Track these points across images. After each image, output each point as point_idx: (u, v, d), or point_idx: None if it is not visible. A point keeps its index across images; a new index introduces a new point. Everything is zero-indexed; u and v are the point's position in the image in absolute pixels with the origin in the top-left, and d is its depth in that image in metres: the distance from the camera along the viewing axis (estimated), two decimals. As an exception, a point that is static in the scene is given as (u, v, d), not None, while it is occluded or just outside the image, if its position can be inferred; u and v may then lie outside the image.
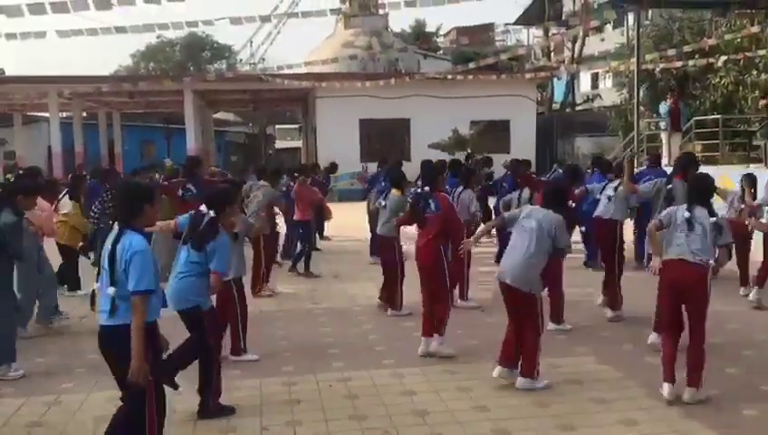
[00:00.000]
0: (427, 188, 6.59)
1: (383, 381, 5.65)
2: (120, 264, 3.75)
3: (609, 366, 5.91)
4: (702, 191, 5.39)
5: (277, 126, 50.25)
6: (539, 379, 5.37)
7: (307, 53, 32.10)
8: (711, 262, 5.15)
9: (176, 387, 4.95)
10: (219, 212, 5.11)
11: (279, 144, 48.38)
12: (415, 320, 7.26)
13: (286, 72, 25.11)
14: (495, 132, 25.61)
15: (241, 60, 45.55)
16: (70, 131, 27.79)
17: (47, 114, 27.99)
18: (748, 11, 17.71)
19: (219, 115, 41.23)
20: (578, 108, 35.36)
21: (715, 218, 5.14)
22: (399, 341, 6.82)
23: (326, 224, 14.59)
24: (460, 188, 8.32)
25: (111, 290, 3.75)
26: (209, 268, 4.99)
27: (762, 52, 17.81)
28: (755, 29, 17.93)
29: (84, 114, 30.80)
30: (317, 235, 12.92)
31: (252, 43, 46.61)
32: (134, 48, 54.94)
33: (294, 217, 10.78)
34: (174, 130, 32.74)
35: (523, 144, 25.89)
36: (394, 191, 8.00)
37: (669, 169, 8.91)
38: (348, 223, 14.51)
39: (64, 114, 29.58)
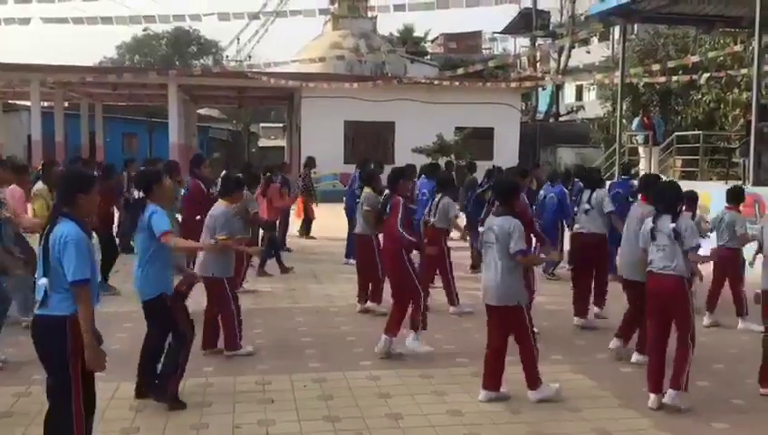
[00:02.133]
0: (387, 192, 6.63)
1: (359, 383, 5.64)
2: (53, 253, 3.64)
3: (584, 375, 5.95)
4: (666, 199, 5.37)
5: (261, 124, 50.09)
6: (543, 387, 5.26)
7: (294, 53, 32.04)
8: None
9: (183, 406, 5.01)
10: (147, 192, 5.18)
11: (263, 142, 48.23)
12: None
13: (273, 70, 25.00)
14: (479, 139, 25.69)
15: (227, 56, 45.36)
16: (51, 121, 27.45)
17: (28, 103, 27.64)
18: (732, 29, 17.96)
19: (203, 111, 40.99)
20: (561, 119, 35.65)
21: (674, 225, 5.17)
22: (377, 343, 6.79)
23: (312, 224, 14.68)
24: (439, 196, 8.32)
25: (43, 281, 3.66)
26: (158, 250, 5.03)
27: (744, 70, 18.06)
28: (738, 48, 18.20)
29: (66, 104, 30.45)
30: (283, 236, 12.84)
31: (239, 39, 46.41)
32: (120, 40, 54.39)
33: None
34: (156, 124, 32.48)
35: (507, 152, 26.01)
36: (366, 189, 8.10)
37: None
38: (329, 224, 14.50)
39: (46, 104, 29.23)
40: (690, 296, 5.26)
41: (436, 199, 8.27)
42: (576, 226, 7.91)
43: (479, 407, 5.16)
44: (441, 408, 5.13)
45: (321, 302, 8.77)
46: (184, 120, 28.57)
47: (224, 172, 10.10)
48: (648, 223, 5.37)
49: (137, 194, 5.29)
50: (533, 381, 5.27)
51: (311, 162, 15.10)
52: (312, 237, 14.58)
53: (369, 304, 8.13)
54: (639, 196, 6.78)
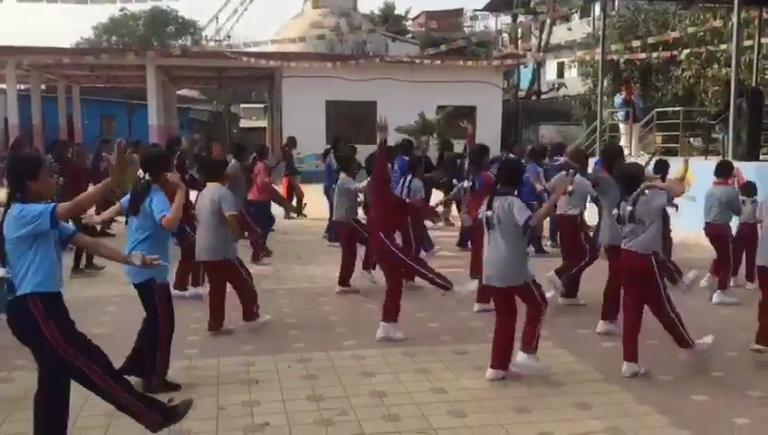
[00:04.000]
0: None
1: (342, 363, 5.66)
2: (9, 238, 3.62)
3: (565, 350, 6.01)
4: (628, 181, 5.49)
5: (242, 105, 49.66)
6: (533, 357, 5.26)
7: (274, 32, 31.72)
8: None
9: (177, 387, 5.00)
10: (154, 175, 5.09)
11: (244, 123, 47.83)
12: (376, 302, 7.29)
13: (252, 50, 24.75)
14: (461, 118, 25.66)
15: (206, 36, 44.56)
16: (27, 104, 27.04)
17: (4, 86, 27.18)
18: (711, 5, 18.00)
19: (183, 92, 40.53)
20: (543, 96, 35.68)
21: (630, 208, 5.31)
22: (360, 323, 6.83)
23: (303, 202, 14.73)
24: (409, 177, 8.31)
25: (1, 271, 3.66)
26: (154, 234, 4.97)
27: (723, 46, 18.16)
28: (717, 23, 18.28)
29: (43, 87, 29.98)
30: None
31: (218, 19, 45.71)
32: (96, 20, 53.53)
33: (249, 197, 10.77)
34: (135, 106, 32.09)
35: (489, 130, 25.97)
36: (342, 175, 8.10)
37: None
38: (312, 204, 14.46)
39: (22, 86, 28.76)
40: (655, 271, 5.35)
41: (407, 180, 8.26)
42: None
43: (462, 384, 5.20)
44: (424, 386, 5.16)
45: (305, 283, 8.77)
46: (163, 101, 28.25)
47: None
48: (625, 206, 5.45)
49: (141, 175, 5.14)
50: (529, 341, 5.24)
51: (291, 142, 15.06)
52: (304, 215, 14.61)
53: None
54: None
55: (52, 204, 3.65)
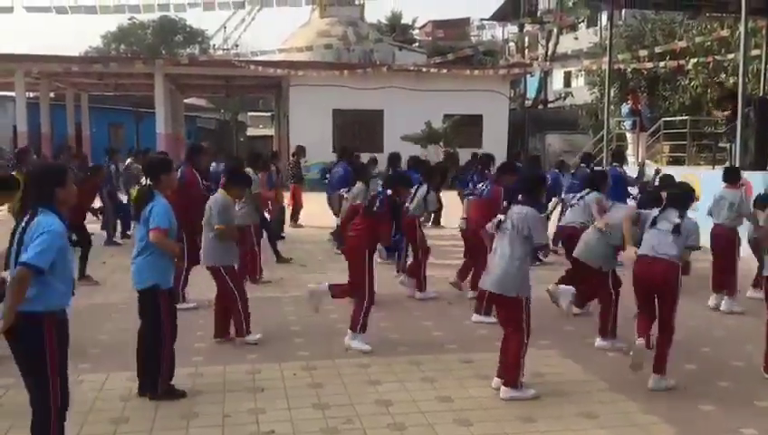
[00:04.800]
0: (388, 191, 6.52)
1: (348, 371, 5.65)
2: (27, 245, 3.55)
3: (572, 360, 5.99)
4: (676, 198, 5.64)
5: (249, 113, 49.81)
6: (524, 388, 5.12)
7: (281, 41, 31.86)
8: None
9: (183, 395, 5.04)
10: (155, 180, 5.13)
11: (251, 132, 47.97)
12: (383, 311, 7.30)
13: (260, 58, 24.88)
14: (468, 127, 25.73)
15: (214, 45, 44.95)
16: (36, 112, 27.22)
17: (13, 93, 27.37)
18: (719, 14, 18.00)
19: (190, 100, 40.68)
20: (550, 105, 35.68)
21: (679, 220, 5.41)
22: (367, 331, 6.81)
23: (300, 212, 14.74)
24: (425, 187, 8.40)
25: (5, 274, 3.59)
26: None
27: (730, 55, 18.13)
28: (725, 32, 18.25)
29: (52, 95, 30.18)
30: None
31: (225, 28, 45.96)
32: (105, 29, 53.91)
33: None
34: (143, 114, 32.26)
35: (496, 139, 26.05)
36: (358, 184, 8.13)
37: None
38: (318, 212, 14.48)
39: (31, 94, 28.96)
40: (678, 281, 5.33)
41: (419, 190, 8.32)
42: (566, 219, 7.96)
43: (468, 393, 5.19)
44: (430, 394, 5.16)
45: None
46: (171, 109, 28.41)
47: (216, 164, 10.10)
48: (654, 211, 5.60)
49: (145, 181, 5.19)
50: (513, 378, 5.09)
51: (300, 151, 15.15)
52: (300, 226, 14.60)
53: None
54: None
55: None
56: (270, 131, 41.88)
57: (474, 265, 7.96)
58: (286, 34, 32.36)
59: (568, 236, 7.55)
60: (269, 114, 44.29)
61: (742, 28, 12.56)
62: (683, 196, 5.69)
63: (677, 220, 5.38)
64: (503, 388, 5.13)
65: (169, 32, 49.62)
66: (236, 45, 39.09)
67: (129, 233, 12.55)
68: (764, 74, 15.66)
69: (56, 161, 10.62)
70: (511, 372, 5.11)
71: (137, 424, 4.63)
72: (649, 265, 5.37)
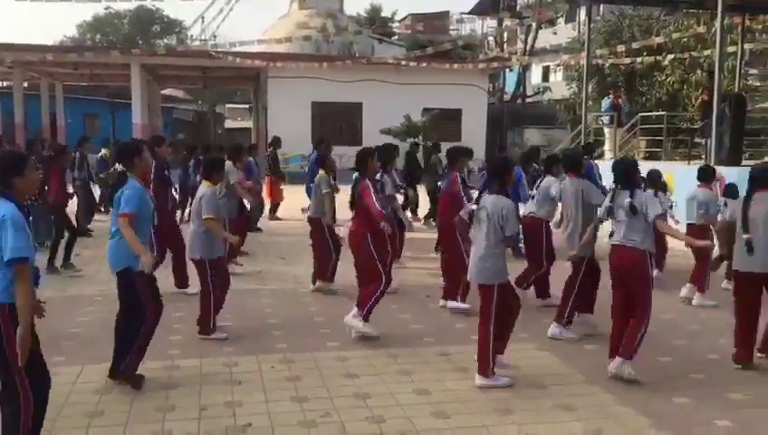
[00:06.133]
0: (357, 175, 6.55)
1: (326, 364, 5.63)
2: None
3: (549, 353, 6.03)
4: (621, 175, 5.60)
5: (227, 105, 49.48)
6: (495, 377, 5.18)
7: (260, 32, 31.62)
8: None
9: (141, 378, 5.01)
10: (128, 165, 5.17)
11: (229, 124, 47.64)
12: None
13: (238, 49, 24.66)
14: (447, 120, 25.77)
15: (192, 36, 44.50)
16: (10, 101, 26.76)
17: (-14, 83, 26.90)
18: (695, 11, 18.19)
19: (167, 91, 40.29)
20: (528, 100, 35.85)
21: (629, 200, 5.37)
22: (345, 324, 6.79)
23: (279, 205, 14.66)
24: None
25: None
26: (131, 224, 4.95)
27: (707, 52, 18.33)
28: (701, 29, 18.44)
29: (26, 84, 29.67)
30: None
31: (203, 19, 45.64)
32: (81, 19, 53.13)
33: None
34: (119, 105, 31.88)
35: (474, 133, 26.12)
36: (321, 172, 8.12)
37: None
38: (297, 205, 14.42)
39: (4, 83, 28.46)
40: (649, 270, 5.36)
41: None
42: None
43: (445, 385, 5.20)
44: (408, 387, 5.15)
45: (289, 283, 8.74)
46: (147, 100, 28.07)
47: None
48: (606, 201, 5.56)
49: (117, 167, 5.18)
50: (482, 367, 5.16)
51: (276, 142, 15.03)
52: (278, 218, 14.53)
53: (318, 283, 8.23)
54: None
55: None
56: (248, 124, 41.62)
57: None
58: (265, 26, 32.13)
59: (527, 226, 7.67)
60: (247, 106, 44.02)
61: (718, 25, 12.69)
62: (625, 170, 5.56)
63: (628, 200, 5.34)
64: (476, 376, 5.21)
65: (146, 22, 49.08)
66: (214, 36, 38.72)
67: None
68: (739, 71, 15.86)
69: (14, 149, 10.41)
70: (480, 360, 5.21)
71: (112, 417, 4.57)
72: (619, 253, 5.43)
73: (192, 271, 6.89)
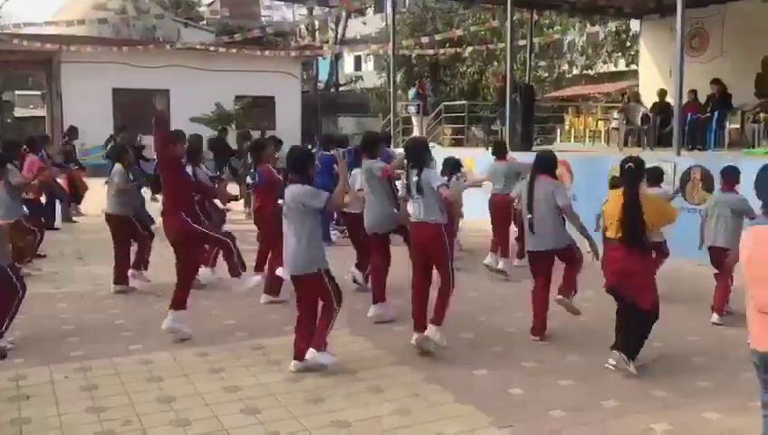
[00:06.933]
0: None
1: (128, 369, 5.30)
2: None
3: (363, 338, 6.13)
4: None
5: (17, 91, 44.95)
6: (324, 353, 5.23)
7: (51, 14, 29.05)
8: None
9: None
10: None
11: (19, 112, 43.30)
12: (167, 302, 6.91)
13: (26, 31, 22.44)
14: (261, 108, 25.37)
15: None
16: None
17: None
18: (489, 5, 19.39)
19: (-58, 76, 35.75)
20: (342, 88, 36.35)
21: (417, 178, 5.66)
22: (149, 325, 6.43)
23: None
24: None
25: None
26: None
27: (501, 44, 19.65)
28: (495, 23, 19.73)
29: None
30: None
31: (-16, -4, 40.94)
32: None
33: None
34: None
35: (289, 121, 25.97)
36: (117, 165, 7.73)
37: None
38: (98, 200, 13.44)
39: None
40: (445, 240, 5.66)
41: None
42: None
43: (257, 379, 5.10)
44: (217, 385, 4.99)
45: (88, 285, 8.12)
46: None
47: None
48: (403, 179, 5.85)
49: None
50: (318, 342, 5.20)
51: (72, 132, 13.94)
52: (81, 214, 13.51)
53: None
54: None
55: None
56: (42, 112, 38.12)
57: (268, 250, 7.85)
58: (56, 7, 29.55)
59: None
60: (40, 93, 40.30)
61: (508, 20, 13.63)
62: (415, 150, 5.84)
63: (415, 178, 5.62)
64: (311, 350, 5.20)
65: None
66: (-2, 16, 35.03)
67: None
68: (529, 63, 17.17)
69: None
70: (319, 334, 5.25)
71: None
72: (419, 230, 5.72)
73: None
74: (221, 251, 6.58)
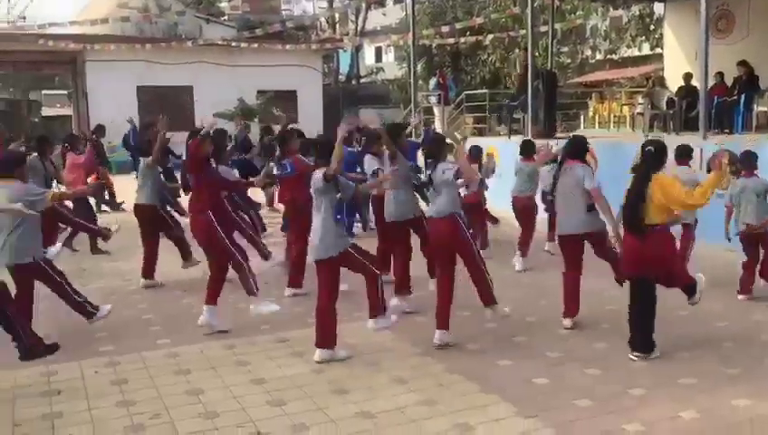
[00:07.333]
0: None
1: (156, 363, 5.39)
2: None
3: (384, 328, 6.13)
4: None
5: (44, 91, 45.64)
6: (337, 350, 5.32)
7: (75, 13, 29.41)
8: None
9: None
10: None
11: (46, 111, 43.99)
12: (194, 296, 7.02)
13: (50, 31, 22.76)
14: (283, 102, 25.46)
15: (-6, 16, 40.55)
16: None
17: None
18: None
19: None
20: (363, 80, 36.31)
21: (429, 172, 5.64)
22: (177, 319, 6.55)
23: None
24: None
25: None
26: None
27: (523, 31, 19.47)
28: (516, 10, 19.54)
29: None
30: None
31: (9, -3, 41.64)
32: None
33: None
34: None
35: (311, 114, 26.06)
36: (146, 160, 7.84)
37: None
38: (125, 196, 13.64)
39: None
40: (463, 229, 5.62)
41: None
42: None
43: (282, 372, 5.15)
44: (243, 378, 5.05)
45: (116, 281, 8.25)
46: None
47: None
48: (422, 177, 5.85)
49: None
50: (327, 339, 5.31)
51: (99, 130, 14.18)
52: (122, 209, 13.78)
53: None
54: None
55: None
56: (68, 111, 38.68)
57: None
58: (79, 6, 29.91)
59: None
60: (66, 92, 40.87)
61: (529, 6, 13.50)
62: (432, 142, 5.82)
63: (429, 172, 5.58)
64: (318, 350, 5.28)
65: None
66: (23, 18, 35.58)
67: None
68: (551, 49, 16.99)
69: None
70: (322, 335, 5.33)
71: None
72: (436, 226, 5.68)
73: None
74: (232, 265, 6.54)
